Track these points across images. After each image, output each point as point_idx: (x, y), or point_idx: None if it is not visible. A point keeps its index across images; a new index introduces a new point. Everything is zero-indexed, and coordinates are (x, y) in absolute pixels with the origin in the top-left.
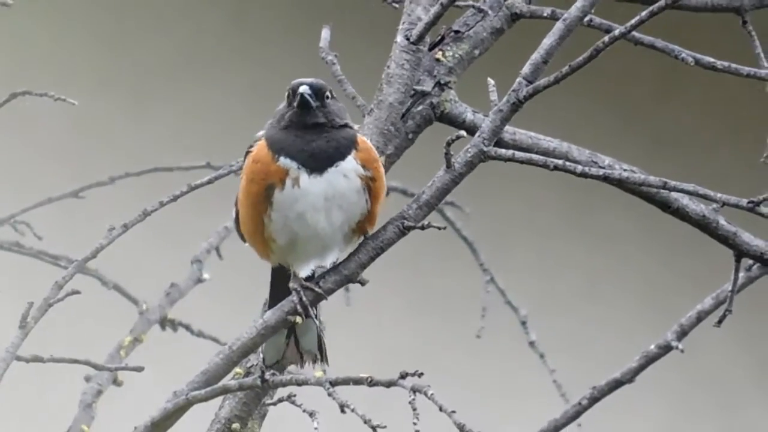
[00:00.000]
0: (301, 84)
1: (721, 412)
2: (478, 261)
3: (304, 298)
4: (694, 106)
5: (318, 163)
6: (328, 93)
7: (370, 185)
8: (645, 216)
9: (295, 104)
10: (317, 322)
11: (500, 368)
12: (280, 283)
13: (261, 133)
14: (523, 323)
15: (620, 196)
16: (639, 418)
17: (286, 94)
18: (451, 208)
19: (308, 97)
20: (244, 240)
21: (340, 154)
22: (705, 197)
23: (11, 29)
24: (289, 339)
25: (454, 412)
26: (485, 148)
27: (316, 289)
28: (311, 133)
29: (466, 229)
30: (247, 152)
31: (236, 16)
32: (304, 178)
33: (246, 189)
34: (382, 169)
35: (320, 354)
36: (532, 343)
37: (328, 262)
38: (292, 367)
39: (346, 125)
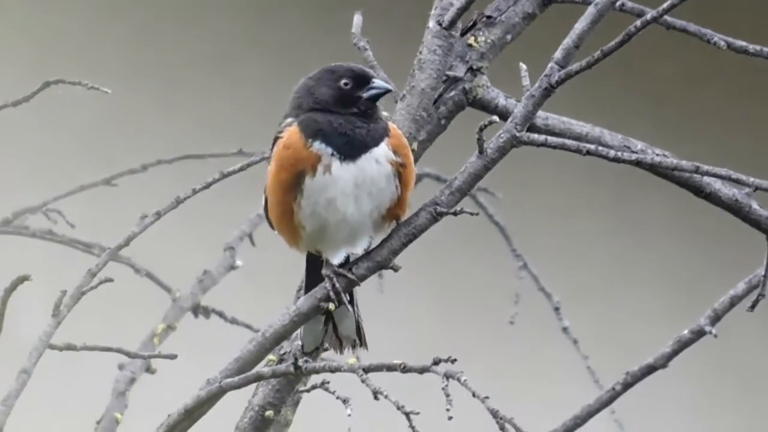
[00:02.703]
0: (372, 77)
1: (752, 397)
2: (511, 247)
3: (337, 285)
4: (725, 89)
5: (354, 149)
6: None
7: (400, 171)
8: (677, 201)
9: (365, 95)
10: (351, 308)
11: (534, 355)
12: (315, 270)
13: (290, 119)
14: (556, 309)
15: (652, 181)
16: (669, 403)
17: (344, 79)
18: (484, 194)
19: (383, 93)
20: (273, 227)
21: (374, 141)
22: (737, 182)
23: (44, 19)
24: (327, 326)
25: (487, 398)
26: (518, 134)
27: (349, 275)
28: (359, 121)
29: (499, 215)
30: (276, 138)
31: (267, 2)
32: (336, 164)
33: (275, 176)
34: (412, 157)
35: (359, 339)
36: (565, 329)
37: (359, 248)
38: (326, 354)
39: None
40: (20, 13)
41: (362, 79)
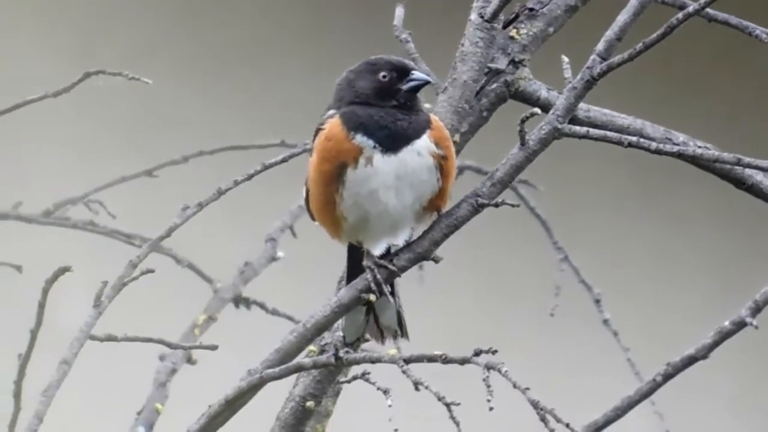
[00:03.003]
0: (411, 68)
1: None
2: (552, 239)
3: (378, 276)
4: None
5: (395, 142)
6: None
7: (441, 164)
8: (718, 193)
9: (404, 87)
10: (392, 299)
11: (574, 347)
12: (357, 261)
13: (332, 111)
14: (597, 302)
15: (693, 173)
16: (707, 394)
17: (383, 72)
18: (525, 186)
19: (423, 84)
20: (314, 219)
21: (416, 133)
22: None
23: (85, 9)
24: (369, 316)
25: (528, 389)
26: (559, 126)
27: (390, 266)
28: (400, 114)
29: (540, 207)
30: (318, 129)
31: None
32: (378, 156)
33: (317, 167)
34: (453, 149)
35: (400, 330)
36: (605, 321)
37: (400, 240)
38: (366, 345)
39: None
40: (62, 4)
41: (402, 72)
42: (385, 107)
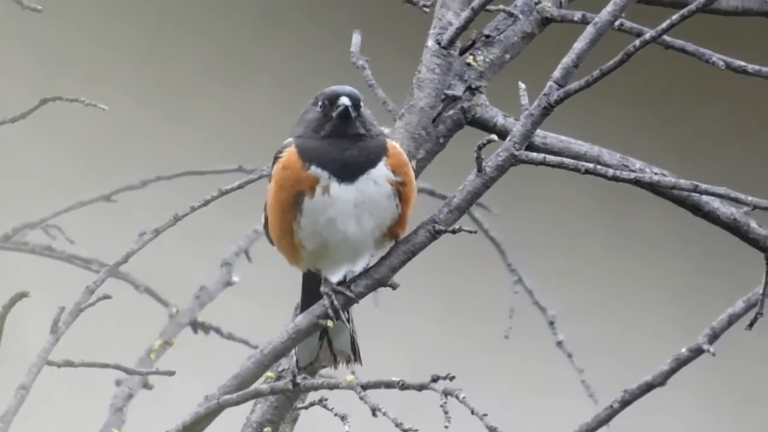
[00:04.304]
0: (340, 95)
1: (751, 414)
2: (506, 262)
3: (335, 302)
4: (726, 110)
5: (349, 172)
6: (361, 102)
7: (400, 190)
8: (676, 218)
9: (334, 114)
10: (348, 325)
11: (529, 369)
12: (312, 287)
13: (290, 139)
14: (551, 323)
15: (651, 198)
16: (668, 419)
17: (320, 102)
18: (480, 209)
19: (350, 109)
20: (273, 244)
21: (370, 162)
22: (736, 200)
23: (44, 33)
24: (322, 341)
25: (486, 415)
26: (516, 152)
27: (348, 293)
28: (346, 143)
29: (495, 230)
30: (276, 158)
31: (268, 20)
32: (335, 186)
33: (275, 195)
34: (412, 173)
35: (354, 354)
36: (559, 343)
37: (358, 267)
38: (324, 371)
39: (380, 133)
40: (22, 28)
41: (332, 99)
42: (328, 137)
